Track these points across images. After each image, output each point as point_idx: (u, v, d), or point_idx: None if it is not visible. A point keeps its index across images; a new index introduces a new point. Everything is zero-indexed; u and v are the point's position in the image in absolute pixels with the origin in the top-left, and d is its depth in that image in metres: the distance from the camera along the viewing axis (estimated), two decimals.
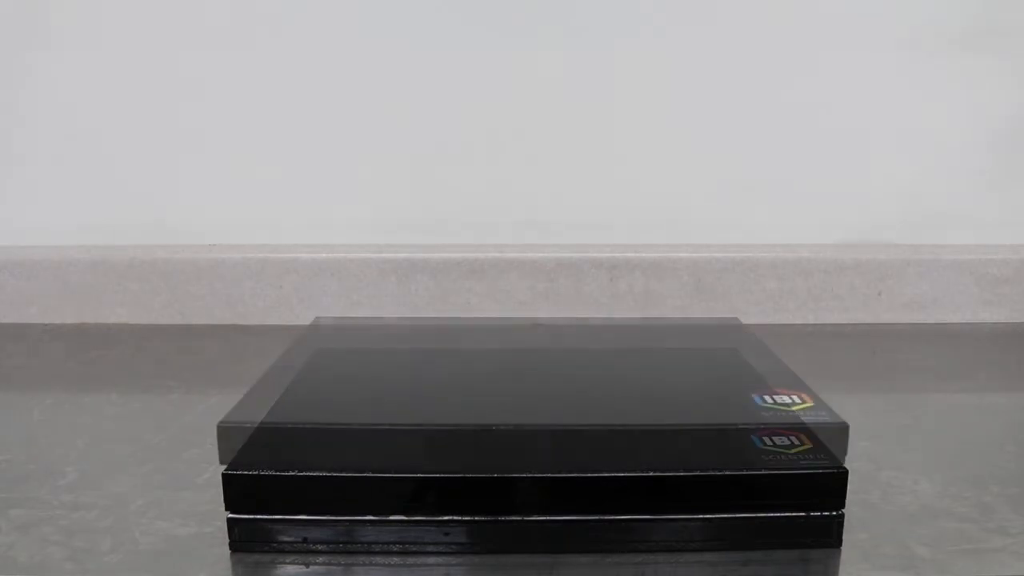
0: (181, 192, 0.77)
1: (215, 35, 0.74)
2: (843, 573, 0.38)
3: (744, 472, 0.38)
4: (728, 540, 0.39)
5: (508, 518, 0.39)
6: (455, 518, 0.39)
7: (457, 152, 0.76)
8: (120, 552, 0.40)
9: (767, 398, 0.41)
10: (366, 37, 0.74)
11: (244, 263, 0.76)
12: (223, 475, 0.38)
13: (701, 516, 0.39)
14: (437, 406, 0.42)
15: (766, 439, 0.38)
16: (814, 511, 0.39)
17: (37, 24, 0.74)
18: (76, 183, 0.77)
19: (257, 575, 0.38)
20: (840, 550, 0.39)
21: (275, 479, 0.38)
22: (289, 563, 0.38)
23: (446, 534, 0.39)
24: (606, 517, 0.39)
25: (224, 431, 0.39)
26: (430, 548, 0.39)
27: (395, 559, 0.39)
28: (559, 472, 0.39)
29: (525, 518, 0.39)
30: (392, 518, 0.39)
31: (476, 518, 0.39)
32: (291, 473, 0.38)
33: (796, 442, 0.38)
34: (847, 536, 0.39)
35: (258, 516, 0.39)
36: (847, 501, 0.39)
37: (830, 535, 0.39)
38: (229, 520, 0.39)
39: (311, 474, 0.38)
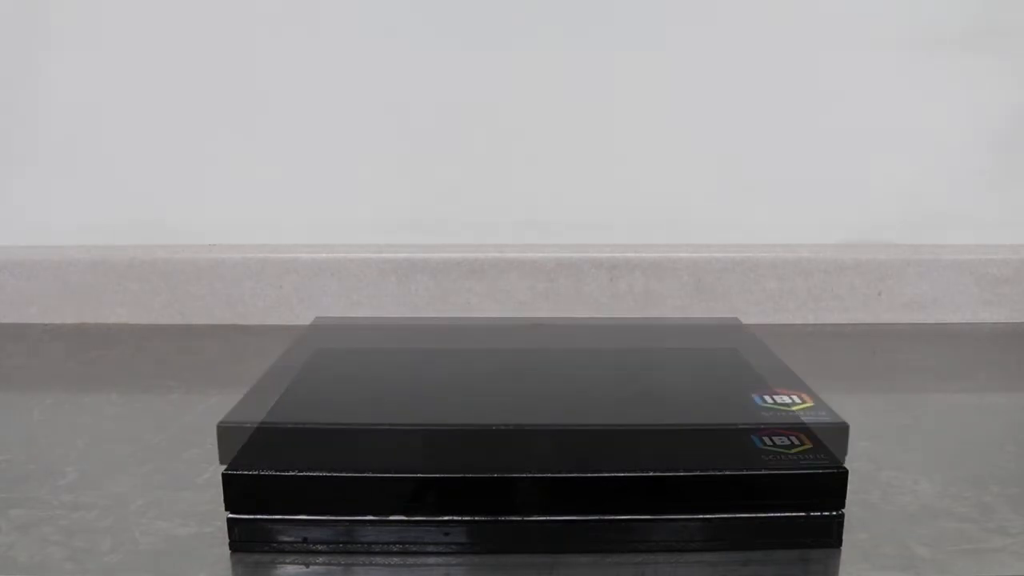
0: (181, 192, 0.77)
1: (215, 35, 0.74)
2: (843, 573, 0.38)
3: (744, 472, 0.38)
4: (728, 540, 0.39)
5: (508, 518, 0.39)
6: (455, 518, 0.39)
7: (457, 152, 0.76)
8: (120, 552, 0.40)
9: (767, 398, 0.41)
10: (366, 37, 0.74)
11: (244, 263, 0.76)
12: (223, 475, 0.38)
13: (701, 516, 0.39)
14: (437, 406, 0.42)
15: (766, 439, 0.38)
16: (814, 511, 0.39)
17: (37, 24, 0.74)
18: (76, 183, 0.77)
19: (257, 575, 0.38)
20: (840, 550, 0.39)
21: (275, 479, 0.38)
22: (289, 563, 0.38)
23: (446, 534, 0.39)
24: (606, 517, 0.39)
25: (224, 431, 0.39)
26: (430, 548, 0.39)
27: (395, 559, 0.39)
28: (559, 472, 0.39)
29: (525, 518, 0.39)
30: (392, 518, 0.39)
31: (476, 518, 0.39)
32: (291, 473, 0.38)
33: (796, 442, 0.38)
34: (847, 536, 0.39)
35: (258, 516, 0.39)
36: (847, 501, 0.39)
37: (830, 535, 0.39)
38: (229, 520, 0.39)
39: (311, 474, 0.38)
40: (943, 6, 0.73)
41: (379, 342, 0.54)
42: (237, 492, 0.38)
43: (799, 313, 0.76)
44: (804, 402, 0.41)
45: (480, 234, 0.77)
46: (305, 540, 0.39)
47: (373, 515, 0.39)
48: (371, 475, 0.38)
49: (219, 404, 0.42)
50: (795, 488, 0.39)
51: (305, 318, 0.71)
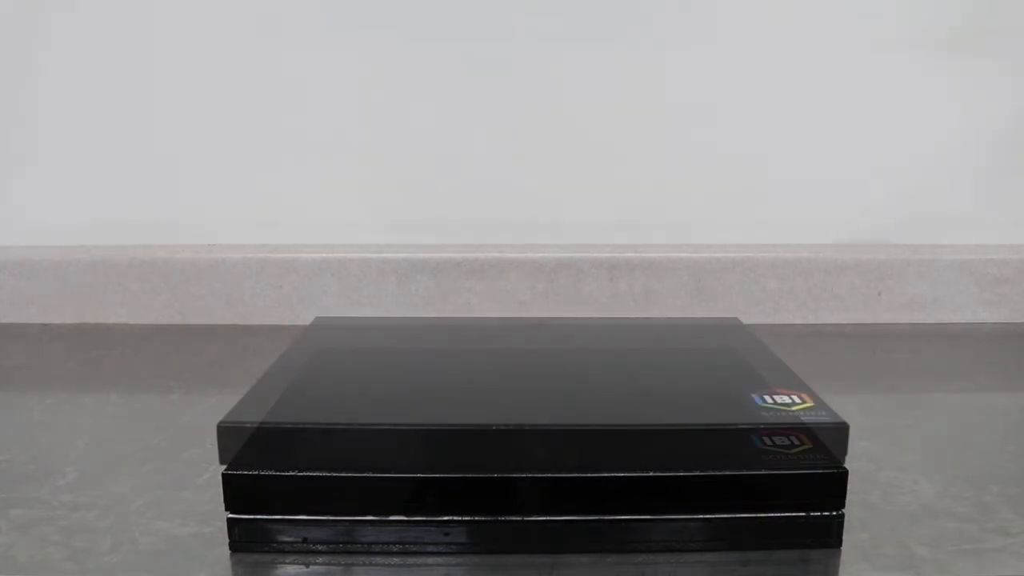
0: (181, 192, 0.77)
1: (214, 35, 0.74)
2: (843, 573, 0.38)
3: (744, 472, 0.39)
4: (728, 540, 0.39)
5: (508, 518, 0.39)
6: (455, 518, 0.39)
7: (457, 152, 0.76)
8: (120, 552, 0.40)
9: (767, 398, 0.41)
10: (366, 37, 0.74)
11: (244, 263, 0.76)
12: (223, 475, 0.38)
13: (701, 516, 0.39)
14: (437, 406, 0.42)
15: (766, 439, 0.38)
16: (814, 511, 0.39)
17: (37, 24, 0.74)
18: (76, 183, 0.77)
19: (257, 575, 0.38)
20: (840, 550, 0.39)
21: (275, 479, 0.38)
22: (289, 563, 0.38)
23: (446, 534, 0.39)
24: (606, 517, 0.39)
25: (224, 431, 0.39)
26: (430, 548, 0.39)
27: (395, 559, 0.39)
28: (559, 472, 0.39)
29: (525, 518, 0.39)
30: (392, 518, 0.39)
31: (476, 518, 0.39)
32: (291, 473, 0.38)
33: (796, 442, 0.38)
34: (847, 536, 0.39)
35: (258, 516, 0.39)
36: (847, 501, 0.39)
37: (830, 535, 0.39)
38: (229, 520, 0.39)
39: (311, 474, 0.38)
40: (943, 6, 0.73)
41: (379, 342, 0.54)
42: (237, 492, 0.38)
43: (799, 313, 0.76)
44: (804, 402, 0.41)
45: (480, 234, 0.77)
46: (305, 540, 0.39)
47: (373, 515, 0.39)
48: (371, 475, 0.38)
49: (219, 404, 0.42)
50: (795, 488, 0.39)
51: (305, 318, 0.71)
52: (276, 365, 0.47)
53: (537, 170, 0.76)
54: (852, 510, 0.39)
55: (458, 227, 0.77)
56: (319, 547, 0.39)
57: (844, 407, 0.40)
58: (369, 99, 0.75)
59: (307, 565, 0.38)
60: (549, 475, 0.39)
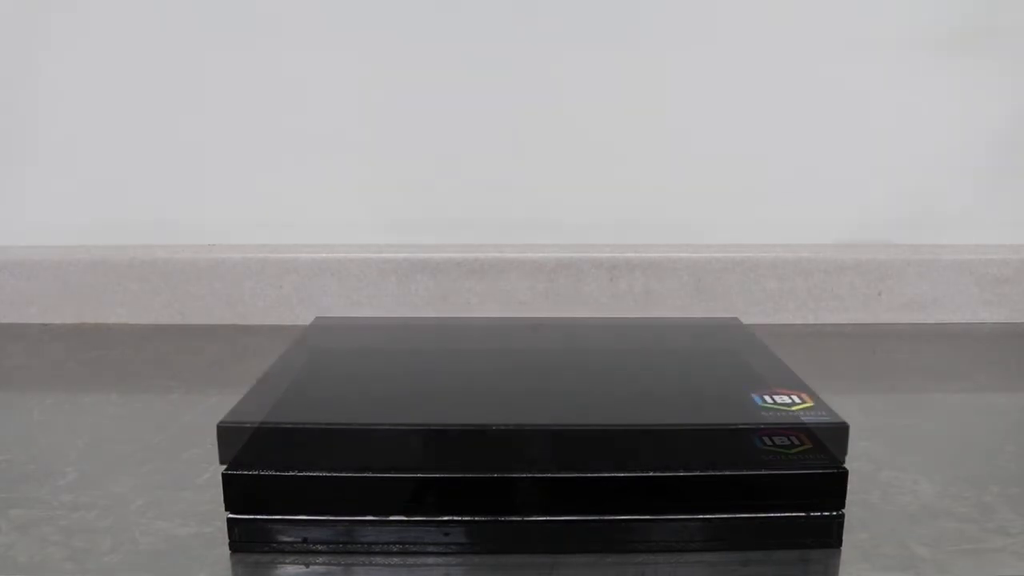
0: (181, 192, 0.77)
1: (214, 35, 0.74)
2: (843, 573, 0.38)
3: (744, 472, 0.39)
4: (728, 540, 0.39)
5: (508, 518, 0.39)
6: (455, 518, 0.39)
7: (457, 152, 0.76)
8: (120, 552, 0.40)
9: (767, 398, 0.41)
10: (366, 37, 0.74)
11: (244, 263, 0.76)
12: (223, 475, 0.38)
13: (701, 516, 0.39)
14: (437, 406, 0.42)
15: (766, 439, 0.38)
16: (814, 511, 0.39)
17: (37, 24, 0.74)
18: (76, 183, 0.77)
19: (257, 575, 0.38)
20: (840, 550, 0.39)
21: (275, 479, 0.38)
22: (289, 563, 0.38)
23: (446, 534, 0.39)
24: (606, 517, 0.39)
25: (224, 431, 0.39)
26: (430, 548, 0.39)
27: (395, 559, 0.39)
28: (559, 472, 0.39)
29: (525, 518, 0.39)
30: (392, 518, 0.39)
31: (476, 518, 0.39)
32: (291, 473, 0.38)
33: (796, 442, 0.38)
34: (847, 536, 0.39)
35: (258, 516, 0.39)
36: (847, 501, 0.39)
37: (830, 535, 0.39)
38: (229, 520, 0.39)
39: (311, 474, 0.38)
40: (943, 6, 0.73)
41: (379, 342, 0.54)
42: (237, 492, 0.38)
43: (799, 313, 0.76)
44: (804, 402, 0.41)
45: (480, 234, 0.77)
46: (305, 540, 0.39)
47: (373, 515, 0.39)
48: (371, 475, 0.38)
49: (219, 404, 0.42)
50: (795, 488, 0.39)
51: (305, 318, 0.71)
52: (276, 365, 0.47)
53: (537, 170, 0.76)
54: (852, 510, 0.39)
55: (458, 227, 0.77)
56: (319, 547, 0.39)
57: (844, 407, 0.40)
58: (369, 99, 0.75)
59: (307, 565, 0.38)
60: (549, 475, 0.39)
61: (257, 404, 0.41)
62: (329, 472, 0.38)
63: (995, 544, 0.40)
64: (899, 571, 0.38)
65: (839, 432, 0.39)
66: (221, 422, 0.39)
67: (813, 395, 0.42)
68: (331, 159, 0.76)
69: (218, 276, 0.76)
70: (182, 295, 0.76)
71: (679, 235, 0.77)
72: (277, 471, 0.38)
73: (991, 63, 0.74)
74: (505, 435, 0.39)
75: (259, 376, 0.45)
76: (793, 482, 0.38)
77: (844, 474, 0.38)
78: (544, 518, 0.39)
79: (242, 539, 0.39)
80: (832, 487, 0.39)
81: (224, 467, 0.38)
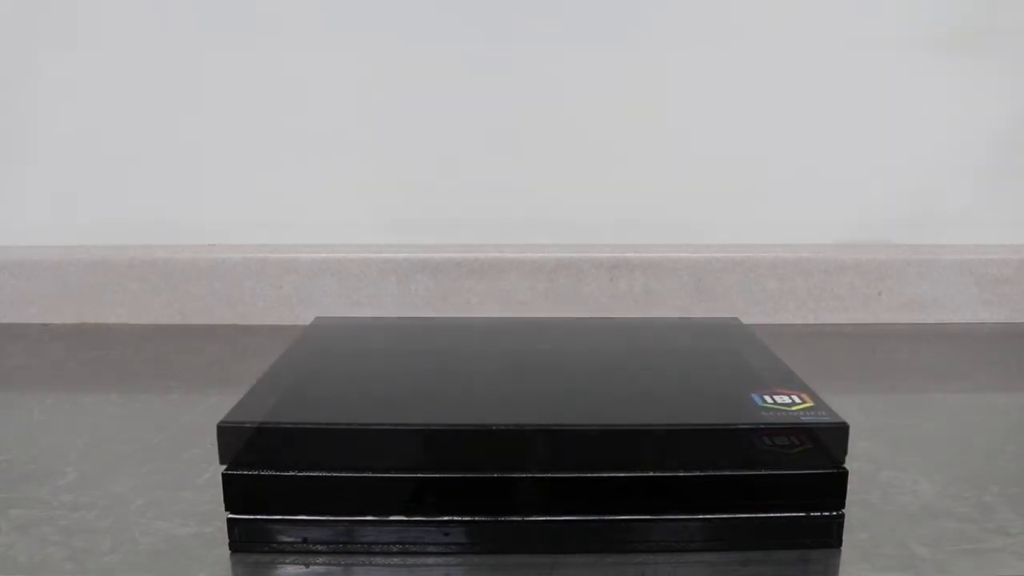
0: (181, 192, 0.77)
1: (214, 35, 0.74)
2: (843, 573, 0.38)
3: (744, 472, 0.39)
4: (728, 540, 0.39)
5: (508, 518, 0.39)
6: (455, 518, 0.39)
7: (457, 152, 0.76)
8: (120, 552, 0.40)
9: (767, 398, 0.41)
10: (366, 37, 0.74)
11: (244, 263, 0.76)
12: (223, 475, 0.38)
13: (701, 516, 0.39)
14: (437, 406, 0.42)
15: (766, 439, 0.38)
16: (814, 511, 0.39)
17: (37, 24, 0.74)
18: (76, 183, 0.77)
19: (257, 575, 0.38)
20: (840, 550, 0.39)
21: (275, 479, 0.38)
22: (289, 563, 0.38)
23: (446, 534, 0.39)
24: (606, 517, 0.39)
25: (224, 431, 0.39)
26: (430, 548, 0.39)
27: (395, 559, 0.39)
28: (559, 472, 0.39)
29: (525, 518, 0.39)
30: (392, 518, 0.39)
31: (476, 518, 0.39)
32: (291, 473, 0.38)
33: (796, 442, 0.38)
34: (847, 536, 0.39)
35: (258, 516, 0.39)
36: (847, 501, 0.39)
37: (830, 535, 0.39)
38: (229, 520, 0.39)
39: (311, 474, 0.38)
40: (943, 6, 0.73)
41: (379, 342, 0.54)
42: (237, 492, 0.38)
43: (799, 313, 0.76)
44: (804, 402, 0.41)
45: (480, 234, 0.77)
46: (305, 540, 0.39)
47: (373, 515, 0.39)
48: (371, 475, 0.38)
49: (219, 404, 0.42)
50: (795, 488, 0.39)
51: (305, 318, 0.71)
52: (276, 365, 0.47)
53: (537, 170, 0.76)
54: (852, 510, 0.39)
55: (458, 227, 0.77)
56: (319, 547, 0.39)
57: (844, 407, 0.40)
58: (369, 99, 0.75)
59: (307, 565, 0.38)
60: (549, 475, 0.39)
61: (257, 404, 0.41)
62: (329, 472, 0.38)
63: (995, 544, 0.40)
64: (899, 571, 0.38)
65: (839, 432, 0.39)
66: (221, 422, 0.39)
67: (813, 395, 0.42)
68: (331, 159, 0.76)
69: (218, 276, 0.76)
70: (182, 295, 0.76)
71: (679, 235, 0.77)
72: (277, 471, 0.38)
73: (991, 63, 0.74)
74: (505, 435, 0.39)
75: (259, 376, 0.45)
76: (793, 482, 0.38)
77: (844, 474, 0.39)
78: (544, 518, 0.39)
79: (242, 539, 0.39)
80: (832, 487, 0.39)
81: (224, 467, 0.38)
